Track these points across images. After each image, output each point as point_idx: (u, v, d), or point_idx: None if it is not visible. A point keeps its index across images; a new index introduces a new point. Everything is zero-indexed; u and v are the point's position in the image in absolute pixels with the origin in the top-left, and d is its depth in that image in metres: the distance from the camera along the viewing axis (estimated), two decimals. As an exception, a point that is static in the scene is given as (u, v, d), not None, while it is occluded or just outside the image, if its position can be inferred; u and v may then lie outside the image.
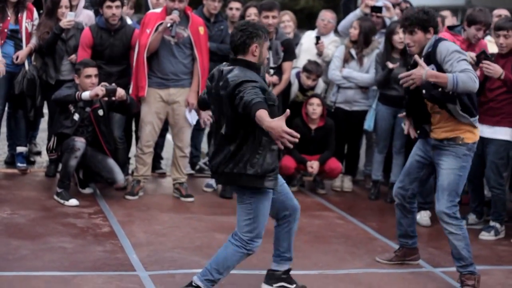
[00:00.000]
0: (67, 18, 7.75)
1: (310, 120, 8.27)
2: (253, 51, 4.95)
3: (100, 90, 7.18)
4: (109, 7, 7.60)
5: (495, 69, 6.65)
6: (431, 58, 5.50)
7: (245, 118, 4.72)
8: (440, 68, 5.45)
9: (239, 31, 4.98)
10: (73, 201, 7.20)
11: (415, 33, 5.52)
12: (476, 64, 6.76)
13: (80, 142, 7.27)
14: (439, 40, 5.54)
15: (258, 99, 4.61)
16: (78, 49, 7.81)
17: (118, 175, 7.48)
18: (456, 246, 5.66)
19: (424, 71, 5.39)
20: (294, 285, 5.48)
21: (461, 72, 5.32)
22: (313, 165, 8.19)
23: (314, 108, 8.19)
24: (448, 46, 5.44)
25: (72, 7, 8.05)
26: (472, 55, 6.86)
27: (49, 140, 7.72)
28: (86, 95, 7.22)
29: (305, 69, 8.40)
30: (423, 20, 5.49)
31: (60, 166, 7.71)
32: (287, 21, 8.87)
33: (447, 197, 5.62)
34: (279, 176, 5.23)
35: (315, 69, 8.36)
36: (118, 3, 7.62)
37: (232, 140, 4.90)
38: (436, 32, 5.57)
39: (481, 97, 6.96)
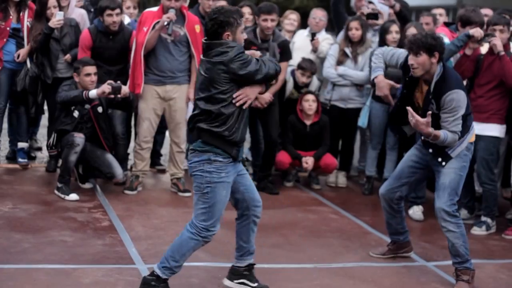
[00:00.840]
0: (56, 18, 7.83)
1: (305, 116, 8.37)
2: (226, 39, 4.91)
3: (106, 88, 7.28)
4: (110, 15, 7.71)
5: (500, 44, 6.83)
6: (437, 90, 5.59)
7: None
8: (437, 104, 5.58)
9: (210, 20, 4.91)
10: (73, 196, 7.30)
11: (420, 55, 5.54)
12: (481, 40, 6.93)
13: (79, 138, 7.37)
14: (450, 80, 5.60)
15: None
16: (78, 51, 7.90)
17: (117, 169, 7.59)
18: (454, 244, 5.76)
19: (431, 135, 5.51)
20: (256, 284, 5.36)
21: (451, 133, 5.53)
22: (308, 161, 8.29)
23: (310, 104, 8.29)
24: (455, 101, 5.51)
25: (62, 7, 8.12)
26: (480, 32, 6.94)
27: (49, 136, 7.81)
28: (93, 93, 7.32)
29: (299, 66, 8.49)
30: (430, 45, 5.52)
31: (60, 162, 7.81)
32: (293, 20, 8.97)
33: (448, 195, 5.71)
34: (243, 168, 5.24)
35: (309, 66, 8.46)
36: (118, 10, 7.73)
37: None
38: (441, 59, 5.62)
39: (470, 94, 7.07)
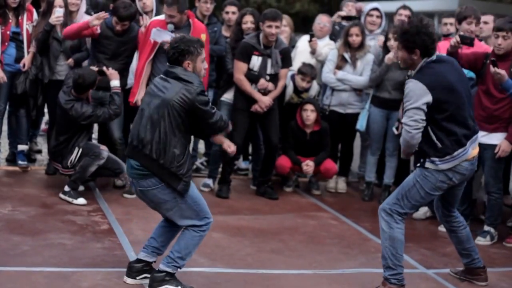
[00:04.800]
0: (55, 14, 7.84)
1: (305, 125, 8.38)
2: (186, 67, 5.15)
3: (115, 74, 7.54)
4: (117, 23, 7.76)
5: (503, 74, 6.54)
6: None
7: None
8: None
9: (172, 48, 5.17)
10: (81, 200, 7.28)
11: (400, 50, 5.47)
12: (462, 43, 6.79)
13: (105, 152, 7.37)
14: (418, 72, 5.41)
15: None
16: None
17: (123, 164, 7.49)
18: (381, 242, 5.58)
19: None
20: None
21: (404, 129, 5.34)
22: (309, 164, 8.29)
23: (308, 114, 8.28)
24: (409, 89, 5.31)
25: (71, 12, 8.12)
26: (457, 38, 6.87)
27: (68, 152, 7.43)
28: (116, 83, 7.46)
29: (299, 71, 8.49)
30: (408, 42, 5.35)
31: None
32: (283, 26, 8.95)
33: (394, 196, 5.55)
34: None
35: (309, 71, 8.45)
36: (125, 22, 7.73)
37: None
38: (426, 55, 5.40)
39: (478, 105, 6.95)
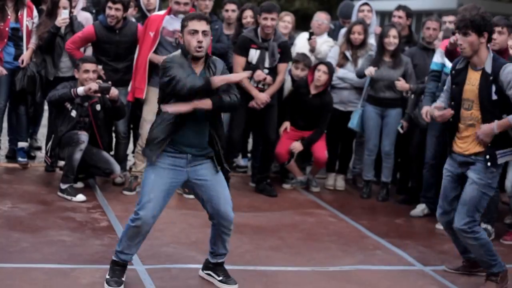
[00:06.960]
0: (61, 16, 7.85)
1: (312, 85, 8.31)
2: (180, 40, 5.26)
3: (94, 85, 7.29)
4: (110, 8, 7.75)
5: None
6: (492, 77, 5.44)
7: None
8: (500, 89, 5.41)
9: None
10: (80, 197, 7.29)
11: (468, 35, 5.41)
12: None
13: (84, 135, 7.36)
14: (500, 60, 5.47)
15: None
16: (75, 34, 7.91)
17: (115, 165, 7.59)
18: (476, 254, 5.72)
19: (493, 128, 5.39)
20: (221, 277, 5.47)
21: None
22: (295, 145, 8.35)
23: (320, 74, 8.20)
24: (510, 74, 5.36)
25: (70, 9, 8.14)
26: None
27: (47, 141, 7.73)
28: (81, 90, 7.33)
29: (293, 60, 8.49)
30: (479, 25, 5.37)
31: (59, 162, 7.82)
32: (287, 22, 9.00)
33: (466, 212, 5.57)
34: (211, 173, 5.26)
35: (301, 58, 8.45)
36: (118, 6, 7.74)
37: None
38: (490, 39, 5.50)
39: None
